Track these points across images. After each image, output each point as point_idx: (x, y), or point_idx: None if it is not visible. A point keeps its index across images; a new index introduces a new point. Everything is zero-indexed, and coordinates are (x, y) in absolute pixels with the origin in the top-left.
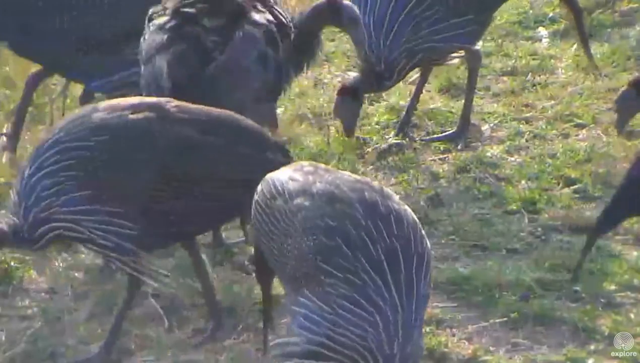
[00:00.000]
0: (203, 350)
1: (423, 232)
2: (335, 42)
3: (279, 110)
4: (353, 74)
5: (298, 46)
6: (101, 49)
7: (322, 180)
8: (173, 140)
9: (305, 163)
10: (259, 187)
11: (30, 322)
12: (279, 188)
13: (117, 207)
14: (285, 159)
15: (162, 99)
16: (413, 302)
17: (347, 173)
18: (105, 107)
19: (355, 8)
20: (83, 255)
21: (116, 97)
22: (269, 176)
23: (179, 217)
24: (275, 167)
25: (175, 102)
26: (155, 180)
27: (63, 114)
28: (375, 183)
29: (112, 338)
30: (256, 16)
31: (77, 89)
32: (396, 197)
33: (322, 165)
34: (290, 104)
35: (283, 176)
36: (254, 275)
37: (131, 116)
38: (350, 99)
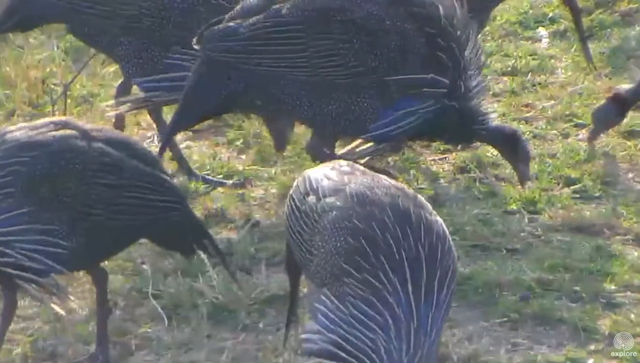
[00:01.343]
0: (203, 350)
1: (452, 244)
2: None
3: None
4: None
5: (468, 131)
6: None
7: (357, 181)
8: (99, 157)
9: (343, 162)
10: (295, 183)
11: (30, 322)
12: (314, 185)
13: (51, 225)
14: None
15: (69, 119)
16: (430, 312)
17: (385, 177)
18: (19, 127)
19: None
20: None
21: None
22: (306, 172)
23: (104, 237)
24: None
25: (84, 122)
26: (85, 196)
27: (65, 115)
28: (411, 191)
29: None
30: None
31: (78, 89)
32: (429, 207)
33: (360, 166)
34: None
35: (319, 174)
36: (254, 275)
37: (58, 133)
38: None
